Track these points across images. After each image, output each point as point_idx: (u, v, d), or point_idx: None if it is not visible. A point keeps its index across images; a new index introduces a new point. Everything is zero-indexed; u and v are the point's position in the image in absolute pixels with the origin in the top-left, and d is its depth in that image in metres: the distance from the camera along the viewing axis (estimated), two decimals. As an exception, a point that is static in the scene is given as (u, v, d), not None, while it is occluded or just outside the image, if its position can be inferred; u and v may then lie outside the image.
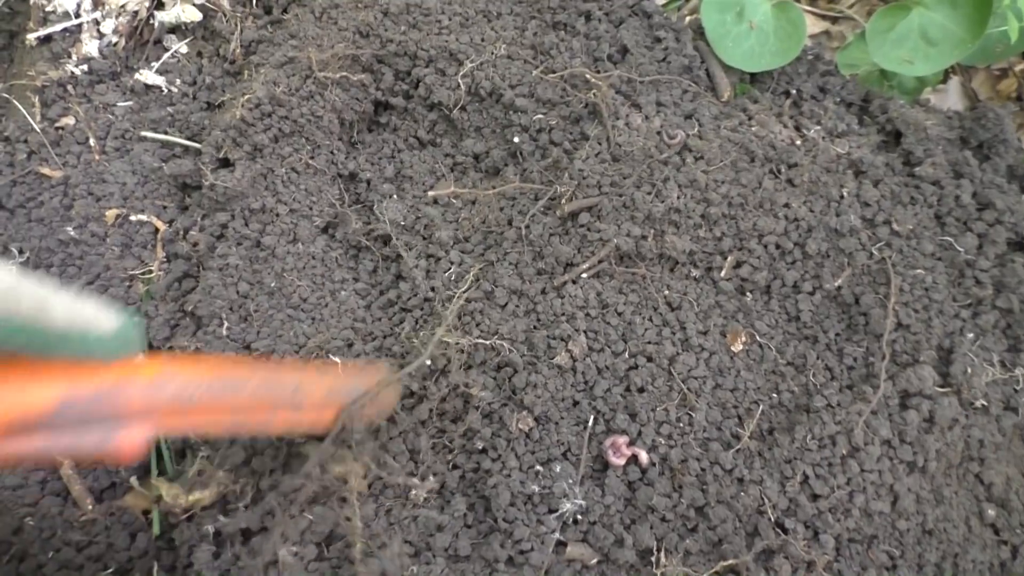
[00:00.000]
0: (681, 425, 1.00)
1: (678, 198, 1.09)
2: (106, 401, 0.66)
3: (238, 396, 0.76)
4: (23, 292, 0.59)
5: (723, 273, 1.09)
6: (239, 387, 0.76)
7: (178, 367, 0.73)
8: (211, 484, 0.90)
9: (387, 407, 0.92)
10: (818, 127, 1.17)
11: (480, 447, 0.99)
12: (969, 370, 1.02)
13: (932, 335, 1.04)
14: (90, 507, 0.99)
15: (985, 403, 1.02)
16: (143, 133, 1.18)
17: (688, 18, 1.29)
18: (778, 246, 1.09)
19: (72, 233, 1.12)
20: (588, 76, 1.14)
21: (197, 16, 1.26)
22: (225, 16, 1.27)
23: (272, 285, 1.09)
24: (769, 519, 0.96)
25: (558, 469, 0.97)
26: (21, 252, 1.10)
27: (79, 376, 0.65)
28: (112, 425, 0.67)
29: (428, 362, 0.99)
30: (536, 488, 0.96)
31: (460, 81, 1.19)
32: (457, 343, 1.03)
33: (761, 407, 1.03)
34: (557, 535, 0.95)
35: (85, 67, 1.23)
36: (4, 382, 0.61)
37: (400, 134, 1.27)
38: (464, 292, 1.08)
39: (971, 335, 1.05)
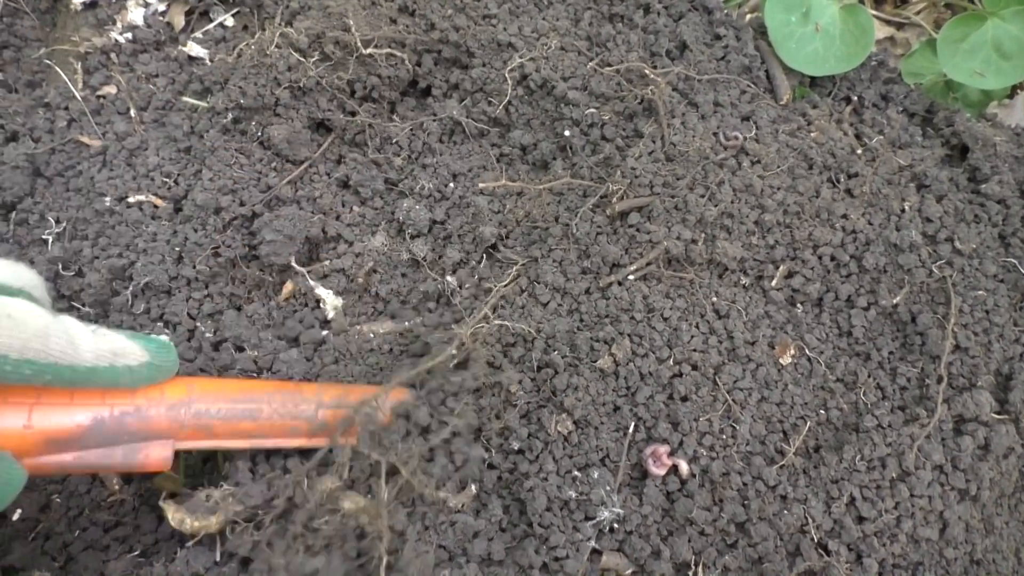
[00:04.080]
0: (724, 437, 0.97)
1: (732, 202, 1.05)
2: (132, 422, 0.75)
3: (254, 420, 0.84)
4: (52, 332, 0.65)
5: (774, 282, 1.06)
6: (255, 412, 0.84)
7: (200, 390, 0.81)
8: (218, 511, 0.87)
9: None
10: (880, 136, 1.13)
11: (517, 448, 0.97)
12: (1028, 398, 0.98)
13: (991, 359, 1.00)
14: (117, 487, 0.97)
15: (1043, 433, 0.98)
16: (184, 98, 1.15)
17: (749, 16, 1.25)
18: (833, 258, 1.05)
19: (108, 204, 1.09)
20: (646, 71, 1.11)
21: (245, -12, 1.23)
22: (273, -11, 1.24)
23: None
24: (812, 539, 0.93)
25: (596, 475, 0.94)
26: (58, 221, 1.07)
27: (108, 399, 0.74)
28: (138, 442, 0.76)
29: (463, 355, 0.97)
30: (573, 494, 0.93)
31: (508, 76, 1.15)
32: (494, 337, 1.00)
33: (808, 423, 0.99)
34: (593, 543, 0.92)
35: (129, 35, 1.20)
36: (40, 404, 0.70)
37: (444, 123, 1.24)
38: (504, 286, 1.06)
39: (1031, 361, 1.01)
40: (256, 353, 1.04)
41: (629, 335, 1.00)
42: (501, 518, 0.94)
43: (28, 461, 0.70)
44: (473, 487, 0.94)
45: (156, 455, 0.77)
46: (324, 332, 1.06)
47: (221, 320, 1.06)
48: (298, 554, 0.83)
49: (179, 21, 1.24)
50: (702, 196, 1.05)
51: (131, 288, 1.05)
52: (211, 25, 1.24)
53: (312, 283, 1.08)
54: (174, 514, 0.86)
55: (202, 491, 0.87)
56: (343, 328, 1.05)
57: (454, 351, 0.96)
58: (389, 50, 1.16)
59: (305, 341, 1.04)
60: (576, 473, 0.94)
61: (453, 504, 0.91)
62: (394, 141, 1.18)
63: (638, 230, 1.05)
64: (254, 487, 0.84)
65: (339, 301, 1.08)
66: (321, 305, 1.08)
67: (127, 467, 0.76)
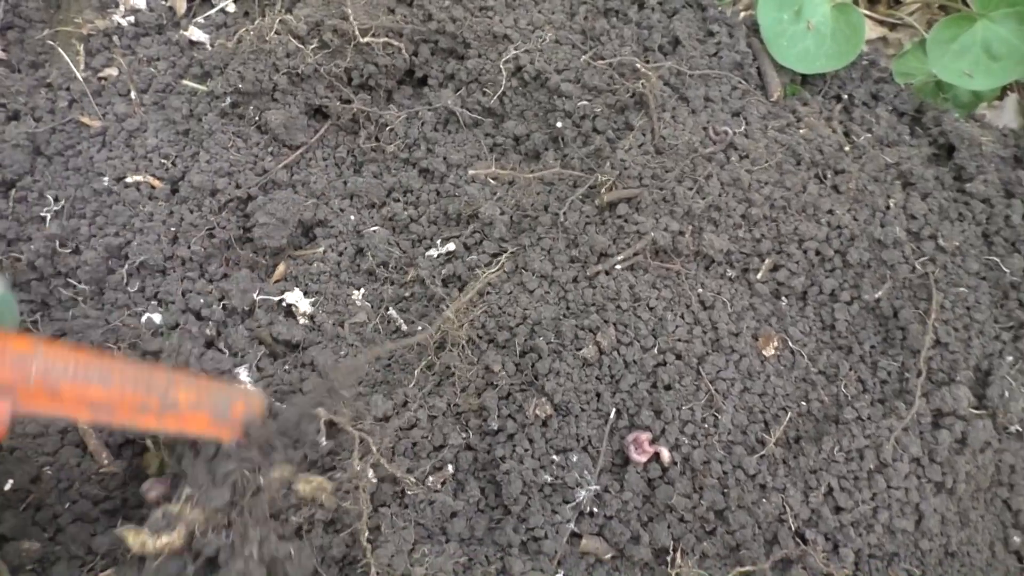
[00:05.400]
0: (706, 426, 0.98)
1: (719, 196, 1.07)
2: None
3: (106, 387, 0.73)
4: None
5: (759, 275, 1.07)
6: (107, 378, 0.73)
7: (48, 348, 0.71)
8: (178, 526, 0.82)
9: (255, 413, 0.87)
10: (868, 134, 1.14)
11: (495, 428, 0.98)
12: (1006, 393, 0.99)
13: (971, 355, 1.01)
14: (106, 461, 0.98)
15: (1020, 428, 1.00)
16: (184, 82, 1.17)
17: (743, 13, 1.26)
18: (818, 252, 1.07)
19: (107, 183, 1.11)
20: (638, 65, 1.12)
21: (246, -25, 1.24)
22: (274, -23, 1.26)
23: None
24: (789, 528, 0.94)
25: (575, 459, 0.95)
26: (57, 200, 1.09)
27: None
28: None
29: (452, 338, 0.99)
30: (549, 478, 0.94)
31: (502, 67, 1.16)
32: (479, 321, 1.02)
33: (789, 414, 1.01)
34: (572, 525, 0.94)
35: (132, 19, 1.22)
36: None
37: (439, 112, 1.26)
38: (492, 273, 1.07)
39: (1010, 358, 1.02)
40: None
41: (614, 324, 1.02)
42: (479, 499, 0.95)
43: None
44: (450, 467, 0.95)
45: None
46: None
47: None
48: (269, 541, 0.82)
49: (181, 5, 1.25)
50: (690, 189, 1.07)
51: (126, 267, 1.07)
52: (213, 10, 1.26)
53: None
54: (134, 539, 0.81)
55: (158, 509, 0.82)
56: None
57: (433, 332, 0.98)
58: (387, 39, 1.18)
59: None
60: (554, 457, 0.95)
61: (431, 483, 0.92)
62: (389, 129, 1.20)
63: (626, 221, 1.07)
64: (216, 491, 0.80)
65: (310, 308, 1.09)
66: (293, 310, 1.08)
67: None
